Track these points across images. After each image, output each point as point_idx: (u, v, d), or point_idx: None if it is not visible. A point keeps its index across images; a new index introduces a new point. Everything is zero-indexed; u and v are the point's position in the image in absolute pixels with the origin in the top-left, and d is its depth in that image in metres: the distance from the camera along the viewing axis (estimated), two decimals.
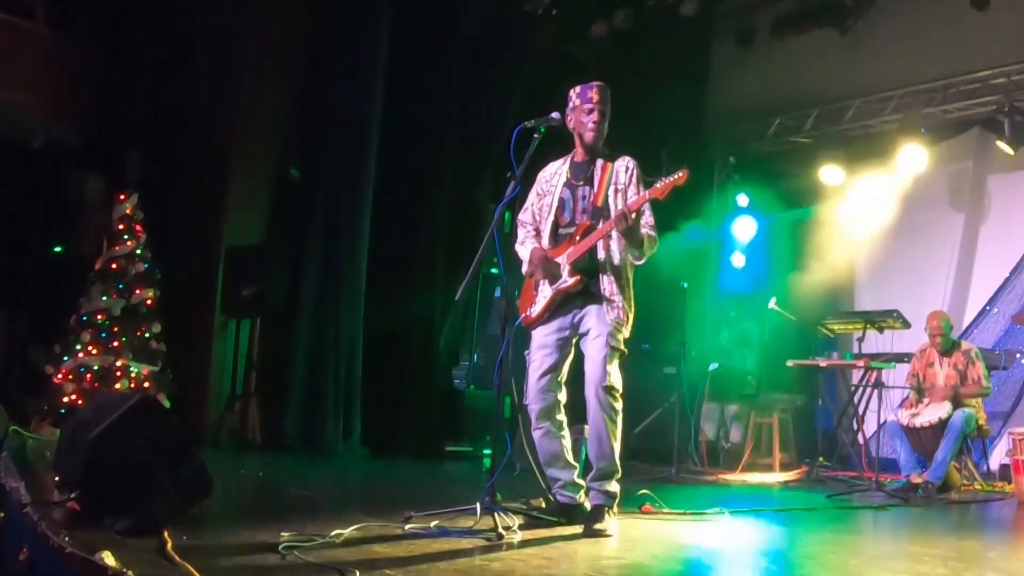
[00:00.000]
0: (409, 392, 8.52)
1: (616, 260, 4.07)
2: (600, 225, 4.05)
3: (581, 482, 4.20)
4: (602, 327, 4.00)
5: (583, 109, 4.15)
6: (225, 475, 5.06)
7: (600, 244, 4.07)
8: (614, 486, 4.04)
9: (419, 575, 2.95)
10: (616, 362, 4.02)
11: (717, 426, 8.71)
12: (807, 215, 9.67)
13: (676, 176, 3.89)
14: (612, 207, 4.06)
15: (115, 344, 7.23)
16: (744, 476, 7.64)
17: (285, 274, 8.20)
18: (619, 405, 4.01)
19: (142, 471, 3.15)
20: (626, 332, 4.06)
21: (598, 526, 3.88)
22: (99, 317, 7.25)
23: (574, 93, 4.20)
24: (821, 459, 7.50)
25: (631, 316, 4.10)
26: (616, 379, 4.01)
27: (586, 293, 4.08)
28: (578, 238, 4.11)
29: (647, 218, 4.08)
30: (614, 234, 4.04)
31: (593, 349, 4.01)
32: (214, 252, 8.16)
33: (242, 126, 8.38)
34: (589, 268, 4.08)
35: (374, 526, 3.72)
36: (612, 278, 4.05)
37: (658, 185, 3.92)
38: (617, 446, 4.02)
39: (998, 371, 7.49)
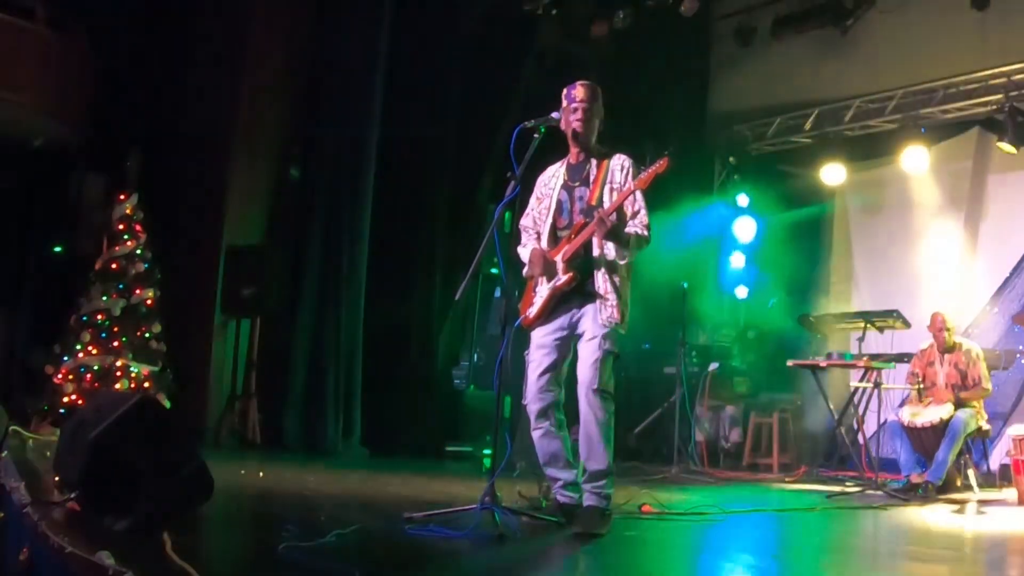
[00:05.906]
0: (409, 392, 8.52)
1: (611, 256, 4.05)
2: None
3: (581, 482, 4.19)
4: (596, 329, 3.99)
5: (570, 108, 4.15)
6: (225, 475, 5.06)
7: (595, 241, 4.05)
8: (607, 487, 4.02)
9: (419, 575, 2.95)
10: (609, 364, 3.99)
11: (716, 426, 8.71)
12: (807, 215, 9.66)
13: (657, 164, 3.89)
14: (607, 205, 4.05)
15: (115, 344, 7.22)
16: (744, 476, 7.63)
17: (285, 274, 8.21)
18: (611, 407, 3.98)
19: (142, 471, 3.14)
20: (621, 331, 4.03)
21: (591, 527, 3.86)
22: (99, 317, 7.25)
23: (564, 94, 4.20)
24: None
25: (627, 314, 4.07)
26: (609, 381, 3.99)
27: (583, 292, 4.07)
28: (573, 236, 4.11)
29: (641, 217, 4.07)
30: None
31: (586, 351, 4.01)
32: (214, 252, 8.17)
33: (242, 126, 8.38)
34: (584, 265, 4.07)
35: (374, 526, 3.72)
36: (607, 275, 4.03)
37: (641, 175, 3.92)
38: (609, 448, 4.00)
39: (998, 371, 7.47)
